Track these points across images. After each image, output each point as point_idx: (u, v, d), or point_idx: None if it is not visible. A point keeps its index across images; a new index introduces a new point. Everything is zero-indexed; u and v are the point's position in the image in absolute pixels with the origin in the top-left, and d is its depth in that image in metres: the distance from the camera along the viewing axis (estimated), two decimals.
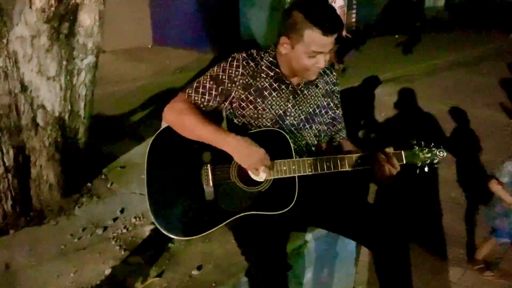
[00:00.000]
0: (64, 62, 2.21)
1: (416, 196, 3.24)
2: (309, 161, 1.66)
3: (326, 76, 1.83)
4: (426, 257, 2.67)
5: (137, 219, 2.13)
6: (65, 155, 2.34)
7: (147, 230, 2.04)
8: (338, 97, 1.88)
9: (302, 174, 1.66)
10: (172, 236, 1.64)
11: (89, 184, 2.49)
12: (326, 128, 1.85)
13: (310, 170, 1.66)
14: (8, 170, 2.10)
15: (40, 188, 2.26)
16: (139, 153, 2.89)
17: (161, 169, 1.66)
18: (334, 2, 6.23)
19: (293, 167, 1.65)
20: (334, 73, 1.86)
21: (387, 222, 1.75)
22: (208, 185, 1.63)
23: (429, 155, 1.66)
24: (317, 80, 1.79)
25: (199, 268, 1.78)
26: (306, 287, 2.09)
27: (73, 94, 2.32)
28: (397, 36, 9.65)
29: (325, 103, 1.82)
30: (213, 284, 1.71)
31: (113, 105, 4.54)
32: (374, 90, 5.34)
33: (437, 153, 1.67)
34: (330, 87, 1.84)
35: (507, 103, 5.28)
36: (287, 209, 1.65)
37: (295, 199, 1.65)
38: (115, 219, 2.14)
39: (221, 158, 1.64)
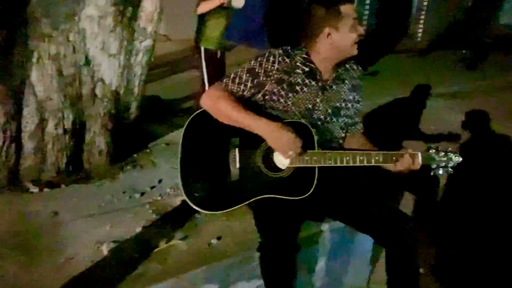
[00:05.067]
0: (125, 43, 2.46)
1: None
2: (330, 154, 1.78)
3: (352, 71, 1.95)
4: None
5: (172, 190, 2.34)
6: (117, 126, 2.59)
7: (178, 200, 2.24)
8: (361, 91, 1.99)
9: (322, 165, 1.79)
10: (197, 209, 1.82)
11: (134, 155, 2.74)
12: (350, 120, 1.96)
13: (330, 162, 1.78)
14: (66, 132, 2.38)
15: (92, 152, 2.53)
16: None
17: (193, 148, 1.84)
18: None
19: (315, 158, 1.77)
20: (360, 68, 1.97)
21: (401, 220, 1.83)
22: (235, 167, 1.79)
23: (444, 158, 1.76)
24: (344, 76, 1.91)
25: (218, 238, 1.95)
26: (317, 275, 2.21)
27: (129, 72, 2.58)
28: (464, 51, 9.33)
29: (351, 97, 1.94)
30: (228, 254, 1.87)
31: (171, 90, 4.84)
32: (424, 101, 5.28)
33: (453, 157, 1.75)
34: (356, 82, 1.95)
35: None
36: (304, 196, 1.78)
37: (313, 187, 1.78)
38: (152, 187, 2.37)
39: (248, 144, 1.80)
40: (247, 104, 1.92)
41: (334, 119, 1.92)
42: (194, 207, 1.80)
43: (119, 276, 1.69)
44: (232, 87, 1.82)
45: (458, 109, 5.31)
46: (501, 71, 7.73)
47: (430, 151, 1.79)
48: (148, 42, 2.58)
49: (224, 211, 1.83)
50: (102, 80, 2.45)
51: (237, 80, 1.82)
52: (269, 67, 1.81)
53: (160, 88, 4.58)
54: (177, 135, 3.15)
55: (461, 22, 10.25)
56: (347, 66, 1.95)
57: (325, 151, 1.80)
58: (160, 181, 2.44)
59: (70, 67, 2.32)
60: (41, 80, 2.25)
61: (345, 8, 1.73)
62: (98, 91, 2.45)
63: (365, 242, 2.35)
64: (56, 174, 2.40)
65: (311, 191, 1.78)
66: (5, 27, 2.05)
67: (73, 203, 2.16)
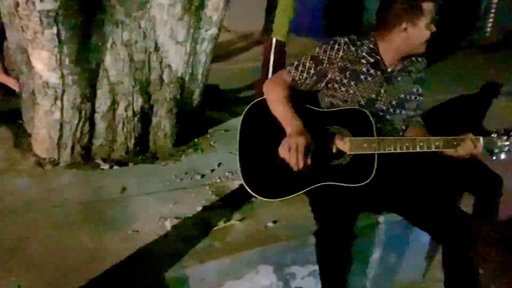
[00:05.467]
0: (191, 30, 2.56)
1: None
2: (389, 140, 1.77)
3: (417, 64, 1.92)
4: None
5: (231, 173, 2.42)
6: (181, 111, 2.71)
7: (236, 184, 2.32)
8: (424, 83, 1.96)
9: (381, 152, 1.78)
10: (256, 196, 1.87)
11: (195, 140, 2.85)
12: (412, 113, 1.94)
13: (389, 148, 1.77)
14: (135, 115, 2.52)
15: (157, 134, 2.66)
16: None
17: (251, 136, 1.89)
18: None
19: (374, 145, 1.77)
20: (425, 60, 1.94)
21: (459, 217, 1.80)
22: None
23: (507, 142, 1.72)
24: (410, 68, 1.89)
25: (274, 222, 2.01)
26: (372, 266, 2.21)
27: (194, 60, 2.67)
28: None
29: (414, 90, 1.92)
30: (284, 237, 1.92)
31: (228, 80, 4.95)
32: (491, 99, 5.03)
33: None
34: (420, 75, 1.93)
35: None
36: (363, 183, 1.79)
37: (372, 175, 1.78)
38: (212, 170, 2.46)
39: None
40: (309, 92, 1.95)
41: (397, 111, 1.91)
42: (254, 194, 1.86)
43: (181, 250, 1.79)
44: (295, 75, 1.86)
45: None
46: None
47: (492, 135, 1.75)
48: (213, 31, 2.66)
49: (284, 198, 1.87)
50: (169, 66, 2.56)
51: (300, 68, 1.86)
52: (334, 54, 1.83)
53: (218, 77, 4.70)
54: (235, 122, 3.25)
55: None
56: (413, 58, 1.93)
57: (384, 137, 1.79)
58: (219, 165, 2.53)
59: (140, 53, 2.44)
60: (114, 65, 2.39)
61: (427, 5, 1.73)
62: (165, 77, 2.57)
63: (421, 237, 2.32)
64: (125, 154, 2.55)
65: (370, 178, 1.78)
66: (84, 12, 2.19)
67: (140, 181, 2.29)
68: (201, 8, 2.55)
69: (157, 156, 2.60)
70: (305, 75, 1.85)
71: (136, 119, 2.53)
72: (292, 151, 1.69)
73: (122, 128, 2.51)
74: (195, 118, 2.87)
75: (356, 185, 1.79)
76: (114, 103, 2.46)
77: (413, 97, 1.94)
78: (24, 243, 1.73)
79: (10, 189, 2.11)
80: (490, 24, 10.11)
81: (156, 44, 2.48)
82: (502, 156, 1.74)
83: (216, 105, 3.55)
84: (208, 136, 2.93)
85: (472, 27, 9.27)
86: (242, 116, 1.90)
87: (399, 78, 1.89)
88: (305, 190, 1.85)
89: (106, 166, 2.42)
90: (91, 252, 1.73)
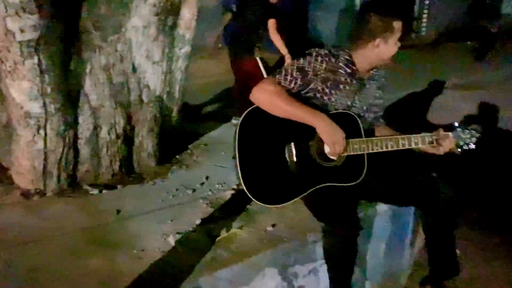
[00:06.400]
0: (167, 50, 2.61)
1: None
2: (375, 141, 1.95)
3: (380, 71, 2.11)
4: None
5: (220, 185, 2.49)
6: (161, 129, 2.75)
7: (228, 194, 2.39)
8: (384, 88, 2.17)
9: (370, 151, 1.94)
10: (264, 205, 1.92)
11: (177, 156, 2.89)
12: (374, 116, 2.12)
13: (377, 148, 1.94)
14: (118, 137, 2.53)
15: (141, 155, 2.68)
16: (218, 134, 3.34)
17: (249, 146, 1.93)
18: None
19: (363, 145, 1.94)
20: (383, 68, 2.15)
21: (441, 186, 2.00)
22: (292, 160, 1.91)
23: (468, 136, 1.95)
24: (375, 76, 2.08)
25: (273, 225, 2.09)
26: (365, 258, 2.34)
27: (171, 78, 2.73)
28: (469, 42, 9.45)
29: (377, 94, 2.12)
30: (285, 239, 2.01)
31: (192, 95, 4.99)
32: (439, 94, 5.40)
33: (474, 133, 1.95)
34: (382, 80, 2.14)
35: None
36: (358, 181, 1.96)
37: (364, 172, 1.96)
38: (202, 184, 2.52)
39: (302, 137, 1.92)
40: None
41: (366, 115, 2.09)
42: (260, 203, 1.88)
43: (191, 263, 1.83)
44: (284, 83, 1.95)
45: (471, 99, 5.41)
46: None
47: (458, 129, 1.97)
48: (186, 49, 2.73)
49: (285, 204, 1.93)
50: (147, 86, 2.59)
51: (288, 78, 1.95)
52: (318, 66, 1.94)
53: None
54: (213, 136, 3.33)
55: (467, 14, 10.37)
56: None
57: (371, 138, 1.95)
58: (207, 178, 2.59)
59: (119, 76, 2.47)
60: (94, 89, 2.40)
61: (397, 24, 1.88)
62: (144, 97, 2.60)
63: (405, 226, 2.49)
64: (111, 177, 2.55)
65: (363, 175, 1.93)
66: (63, 40, 2.20)
67: (133, 202, 2.30)
68: (174, 28, 2.62)
69: (144, 176, 2.62)
70: (292, 84, 1.95)
71: (119, 141, 2.54)
72: (341, 141, 1.86)
73: (106, 152, 2.51)
74: (175, 135, 2.91)
75: (352, 183, 1.93)
76: (96, 127, 2.46)
77: (377, 101, 2.14)
78: (37, 274, 1.70)
79: (4, 223, 2.06)
80: (424, 25, 10.78)
81: (133, 66, 2.51)
82: (466, 147, 1.97)
83: (190, 120, 3.59)
84: (188, 152, 2.98)
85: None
86: (238, 126, 1.92)
87: (367, 86, 2.07)
88: (306, 193, 1.94)
89: (95, 191, 2.41)
90: (104, 276, 1.73)
